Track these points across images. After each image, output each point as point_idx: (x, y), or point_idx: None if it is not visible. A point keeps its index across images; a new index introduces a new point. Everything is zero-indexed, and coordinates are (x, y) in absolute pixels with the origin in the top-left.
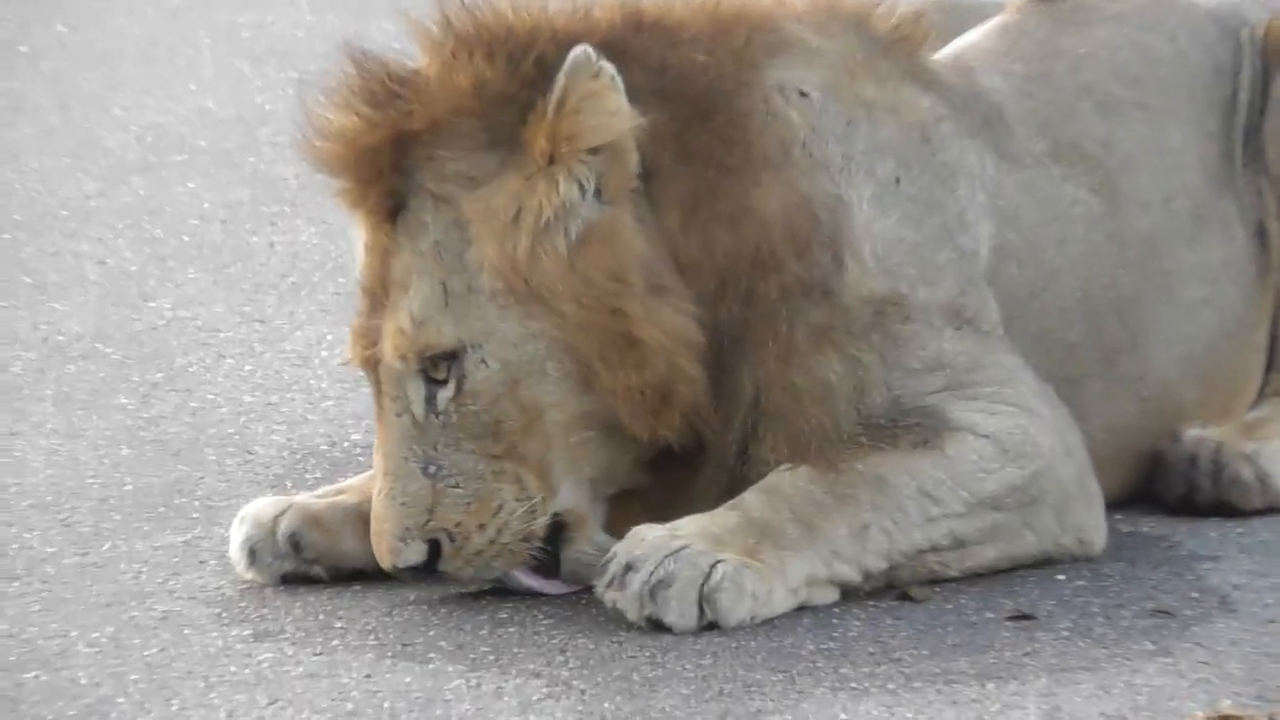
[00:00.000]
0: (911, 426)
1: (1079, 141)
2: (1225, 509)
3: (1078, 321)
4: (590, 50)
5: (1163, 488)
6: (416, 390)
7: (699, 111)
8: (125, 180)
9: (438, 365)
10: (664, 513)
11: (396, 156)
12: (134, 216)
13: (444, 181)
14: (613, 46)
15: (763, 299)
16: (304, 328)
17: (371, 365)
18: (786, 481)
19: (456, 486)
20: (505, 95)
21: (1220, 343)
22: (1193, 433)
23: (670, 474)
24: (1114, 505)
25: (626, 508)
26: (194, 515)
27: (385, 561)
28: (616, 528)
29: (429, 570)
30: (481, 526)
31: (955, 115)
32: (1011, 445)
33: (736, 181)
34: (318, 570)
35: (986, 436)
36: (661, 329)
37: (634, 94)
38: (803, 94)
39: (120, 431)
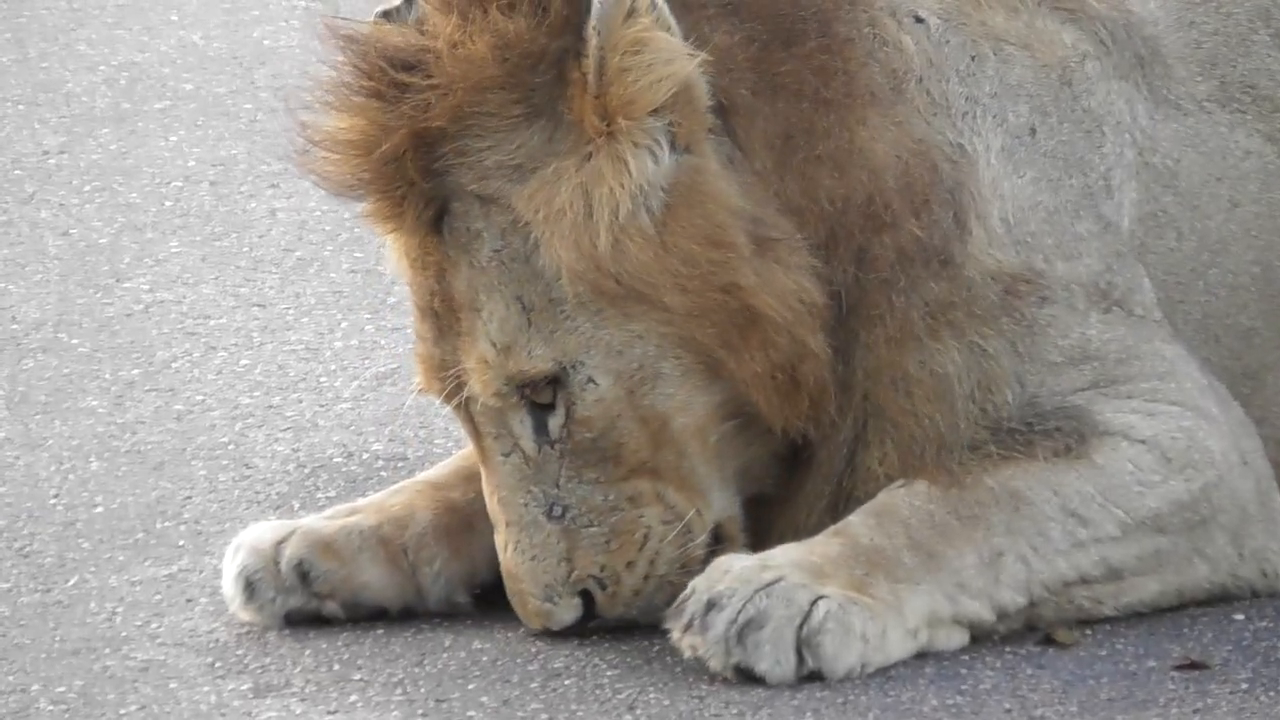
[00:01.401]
0: (1052, 431)
1: (1254, 80)
2: None
3: (1254, 302)
4: None
5: None
6: (522, 424)
7: (783, 34)
8: (93, 133)
9: (539, 391)
10: (761, 538)
11: (423, 159)
12: (104, 177)
13: (486, 179)
14: None
15: (878, 260)
16: (312, 313)
17: (460, 403)
18: (901, 500)
19: (591, 525)
20: (534, 53)
21: None
22: None
23: (776, 488)
24: None
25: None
26: (180, 543)
27: (535, 624)
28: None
29: (588, 621)
30: (630, 564)
31: (1102, 52)
32: (1175, 453)
33: (838, 118)
34: (331, 607)
35: (1144, 442)
36: (778, 296)
37: (696, 9)
38: (918, 19)
39: (89, 441)
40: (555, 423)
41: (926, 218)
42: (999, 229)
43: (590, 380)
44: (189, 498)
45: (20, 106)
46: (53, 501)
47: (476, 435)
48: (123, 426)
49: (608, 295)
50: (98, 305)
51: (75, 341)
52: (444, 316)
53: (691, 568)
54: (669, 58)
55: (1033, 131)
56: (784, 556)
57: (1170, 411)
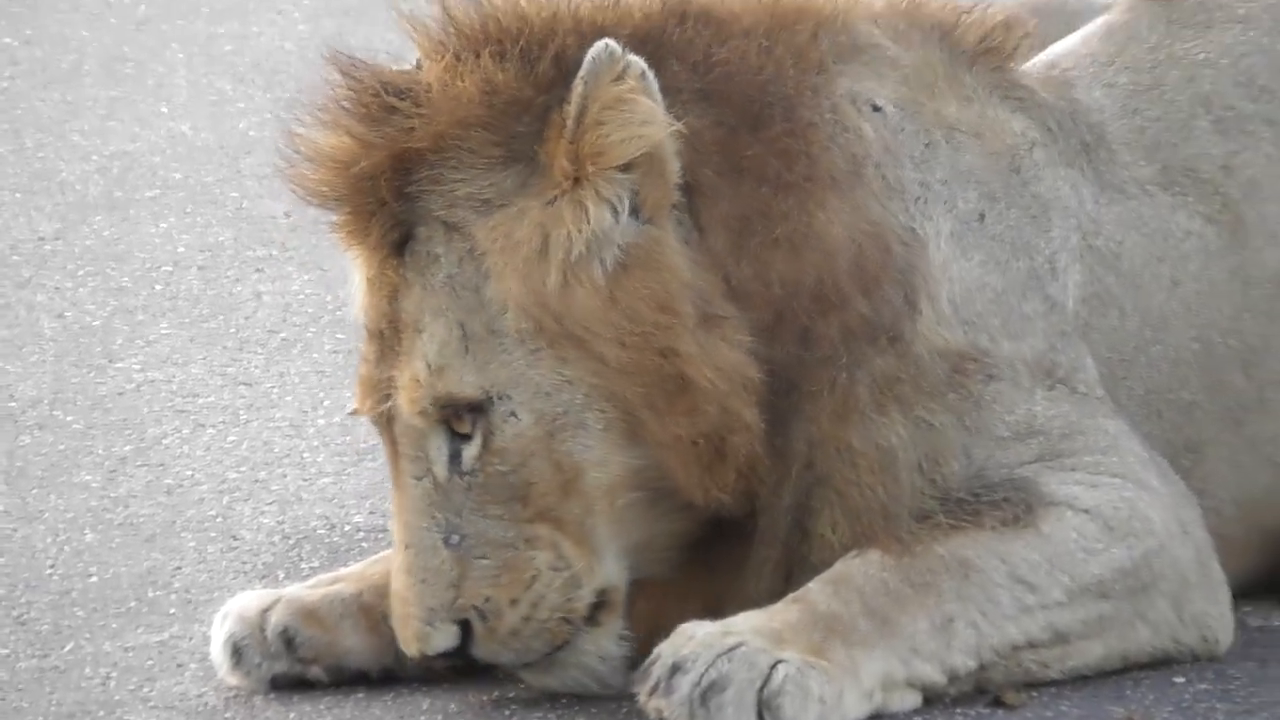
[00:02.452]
0: (999, 502)
1: (1194, 165)
2: None
3: (1195, 377)
4: (614, 45)
5: None
6: (438, 449)
7: (751, 117)
8: (86, 219)
9: (461, 418)
10: (711, 606)
11: (399, 181)
12: (97, 262)
13: (454, 207)
14: (648, 38)
15: (821, 340)
16: (296, 391)
17: (385, 422)
18: (856, 569)
19: (484, 558)
20: (519, 101)
21: None
22: None
23: (716, 558)
24: (1244, 594)
25: (668, 600)
26: (170, 611)
27: (412, 649)
28: (660, 622)
29: (461, 656)
30: (514, 602)
31: (1049, 139)
32: (1117, 521)
33: (797, 201)
34: (315, 671)
35: (1087, 511)
36: (716, 368)
37: (672, 94)
38: (876, 108)
39: (83, 513)
40: (470, 454)
41: (877, 297)
42: (947, 309)
43: (513, 414)
44: (179, 568)
45: (17, 194)
46: (49, 571)
47: (394, 455)
48: (115, 500)
49: (547, 334)
50: (91, 384)
51: (70, 418)
52: (389, 338)
53: (573, 622)
54: (646, 120)
55: (981, 217)
56: (745, 623)
57: (1112, 483)
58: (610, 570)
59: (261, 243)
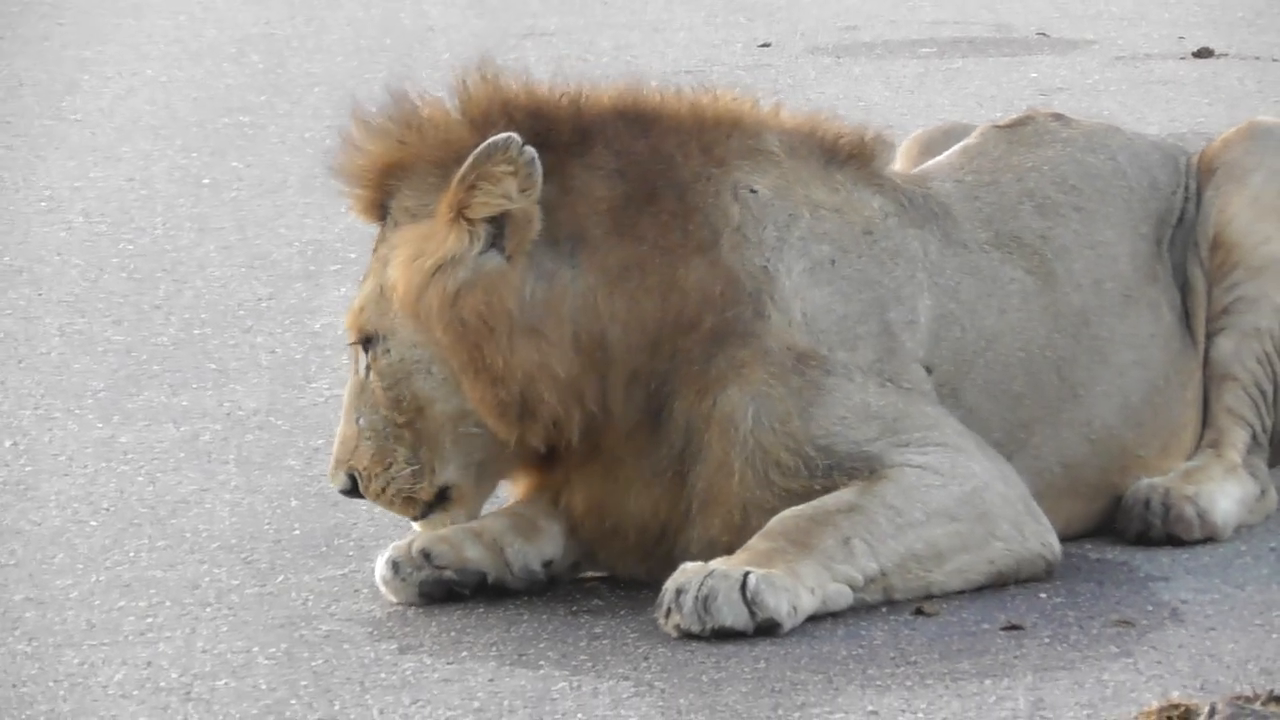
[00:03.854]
0: (852, 471)
1: (1019, 234)
2: (1173, 540)
3: (1020, 375)
4: (511, 138)
5: (1123, 525)
6: (359, 359)
7: (650, 194)
8: (290, 285)
9: (365, 344)
10: (608, 495)
11: (386, 173)
12: (297, 315)
13: (402, 210)
14: (588, 129)
15: (687, 350)
16: None
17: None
18: (775, 522)
19: (368, 439)
20: (461, 155)
21: (1154, 396)
22: (1147, 481)
23: (599, 464)
24: (1084, 535)
25: (576, 487)
26: (350, 553)
27: (330, 481)
28: (572, 500)
29: (355, 496)
30: (375, 475)
31: (902, 211)
32: (945, 469)
33: (666, 261)
34: (449, 574)
35: (921, 466)
36: (516, 364)
37: (593, 171)
38: (752, 190)
39: (290, 487)
40: (364, 364)
41: (728, 314)
42: (798, 318)
43: (388, 351)
44: (355, 524)
45: (241, 269)
46: (266, 527)
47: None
48: (311, 478)
49: (409, 309)
50: (295, 399)
51: (280, 422)
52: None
53: (416, 502)
54: (504, 193)
55: (833, 262)
56: (714, 563)
57: (938, 449)
58: (454, 473)
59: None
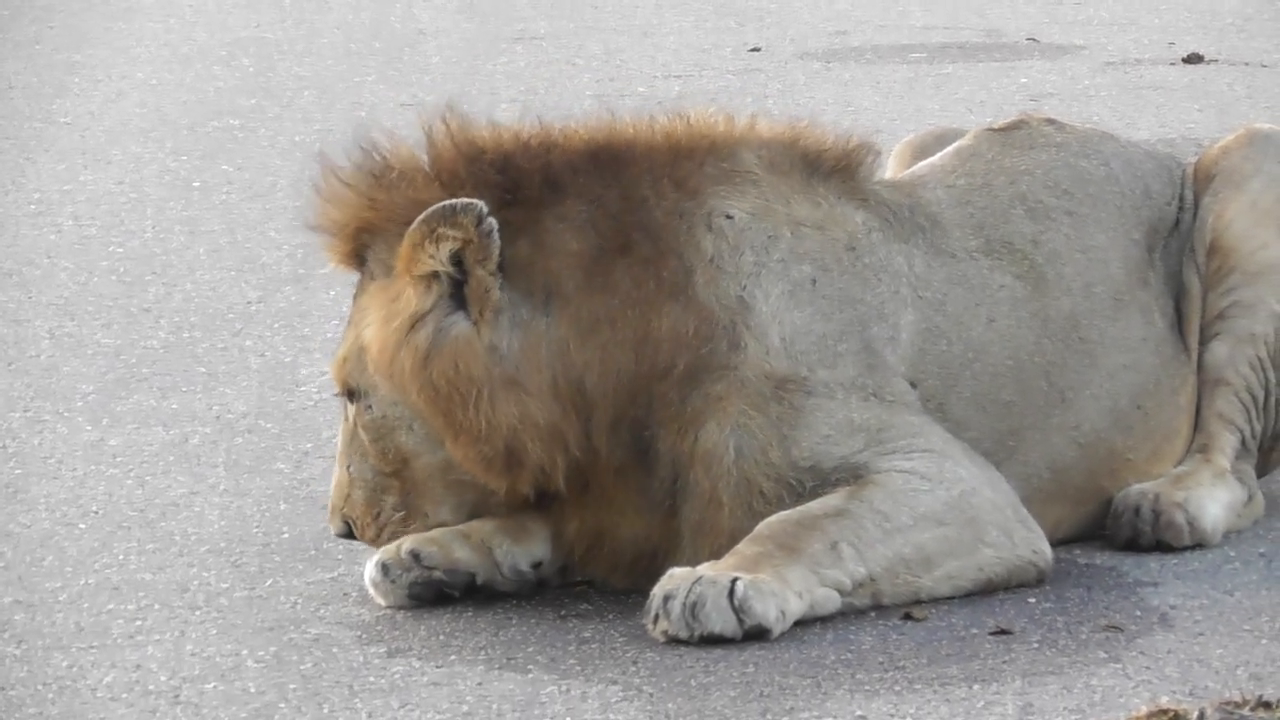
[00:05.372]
0: (837, 481)
1: (1010, 239)
2: (1163, 546)
3: (1009, 384)
4: (469, 205)
5: (1113, 531)
6: (347, 408)
7: (623, 245)
8: (280, 289)
9: (350, 395)
10: (601, 526)
11: (360, 230)
12: (287, 318)
13: (376, 263)
14: (556, 180)
15: (663, 396)
16: None
17: None
18: (762, 526)
19: (359, 488)
20: None
21: (1144, 400)
22: (1136, 487)
23: (593, 495)
24: (1073, 540)
25: (570, 518)
26: (338, 557)
27: (329, 526)
28: (564, 530)
29: (355, 539)
30: (367, 525)
31: (885, 225)
32: (933, 474)
33: (639, 313)
34: (438, 575)
35: (907, 471)
36: (499, 419)
37: (564, 223)
38: (729, 216)
39: (279, 491)
40: (351, 413)
41: (704, 349)
42: (776, 344)
43: (370, 407)
44: None
45: (231, 272)
46: (255, 531)
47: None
48: (301, 481)
49: (385, 374)
50: (284, 402)
51: (269, 425)
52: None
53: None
54: (446, 257)
55: (814, 282)
56: (702, 569)
57: (924, 455)
58: (446, 514)
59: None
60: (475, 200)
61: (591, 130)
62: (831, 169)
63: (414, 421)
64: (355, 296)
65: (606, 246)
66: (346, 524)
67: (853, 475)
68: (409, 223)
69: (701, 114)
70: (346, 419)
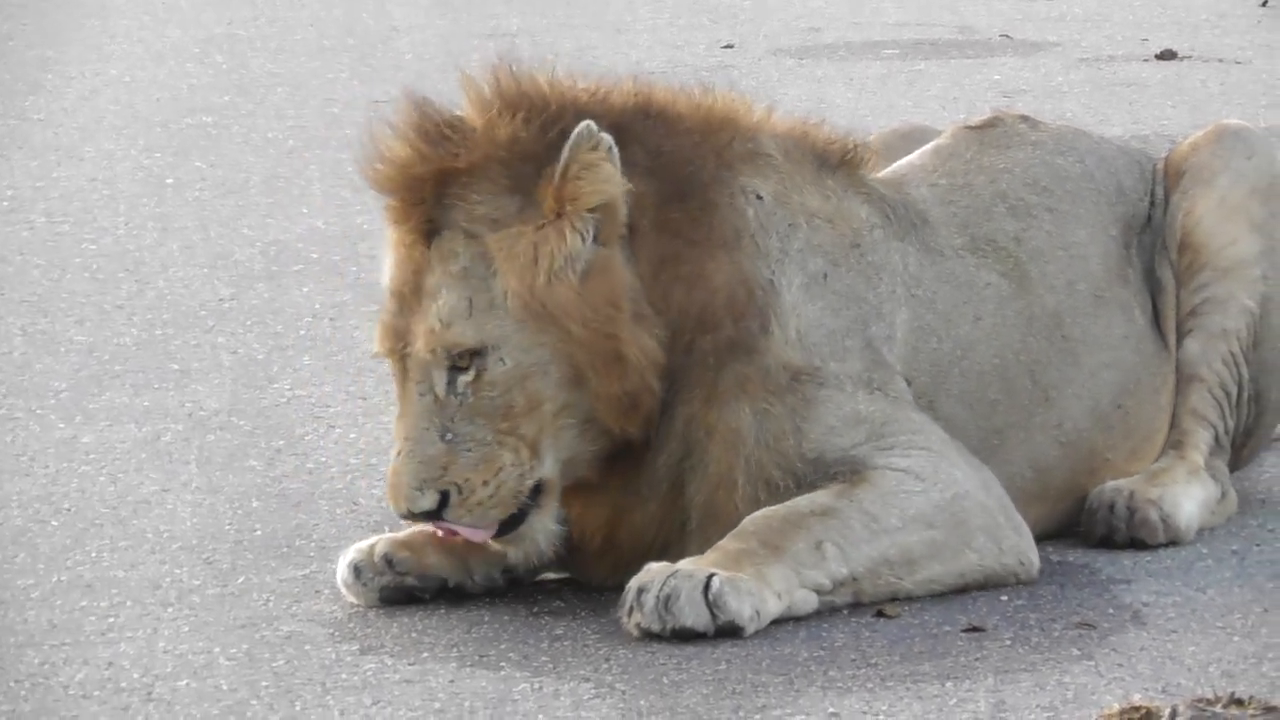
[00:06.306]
0: (836, 475)
1: (994, 237)
2: (1137, 543)
3: (995, 382)
4: (593, 126)
5: (1087, 528)
6: (440, 377)
7: (678, 191)
8: (252, 286)
9: (463, 358)
10: (616, 509)
11: (439, 189)
12: (260, 315)
13: (474, 220)
14: (621, 127)
15: (700, 351)
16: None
17: (399, 356)
18: (748, 521)
19: (469, 450)
20: (531, 153)
21: (1124, 399)
22: (1111, 484)
23: (615, 477)
24: (1047, 537)
25: (587, 503)
26: (311, 554)
27: (400, 507)
28: (583, 516)
29: (435, 516)
30: (485, 482)
31: (886, 223)
32: (927, 474)
33: (697, 254)
34: (410, 580)
35: (903, 470)
36: (641, 349)
37: (631, 167)
38: (759, 197)
39: (251, 488)
40: (464, 380)
41: (741, 324)
42: (793, 336)
43: (501, 359)
44: (316, 525)
45: (204, 269)
46: (227, 528)
47: (404, 380)
48: (273, 479)
49: (532, 313)
50: (255, 399)
51: (241, 422)
52: (409, 298)
53: (519, 498)
54: (606, 179)
55: (825, 277)
56: (681, 563)
57: (921, 453)
58: (548, 468)
59: (372, 301)
60: (587, 121)
61: (635, 89)
62: (839, 163)
63: (550, 364)
64: (432, 263)
65: (665, 192)
66: (440, 495)
67: (851, 469)
68: (507, 164)
69: (726, 93)
70: (426, 392)
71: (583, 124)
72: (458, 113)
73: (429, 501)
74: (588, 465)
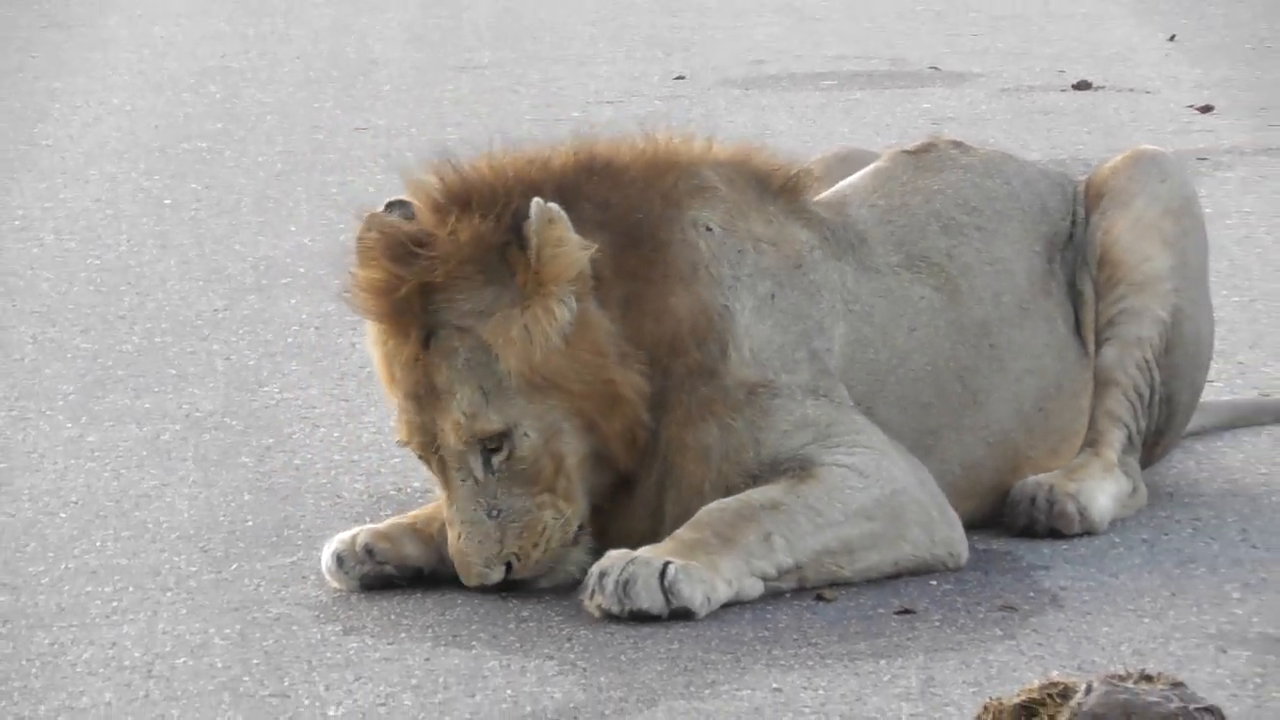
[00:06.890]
0: (785, 471)
1: (927, 253)
2: (1055, 533)
3: (928, 386)
4: (540, 202)
5: (1009, 519)
6: (476, 461)
7: (631, 238)
8: (244, 298)
9: (493, 440)
10: (612, 524)
11: (423, 300)
12: (251, 324)
13: (462, 316)
14: (566, 187)
15: (674, 374)
16: (378, 405)
17: (432, 450)
18: (703, 513)
19: (514, 522)
20: (494, 244)
21: (1046, 403)
22: (1032, 479)
23: (613, 505)
24: (972, 527)
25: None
26: (298, 543)
27: (473, 582)
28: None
29: (505, 584)
30: (536, 544)
31: (825, 244)
32: (869, 471)
33: (657, 291)
34: (389, 569)
35: (847, 466)
36: (632, 385)
37: (581, 223)
38: (709, 229)
39: (243, 483)
40: (498, 459)
41: (704, 348)
42: (748, 355)
43: (525, 434)
44: (303, 516)
45: (200, 282)
46: (221, 519)
47: (444, 471)
48: (263, 474)
49: (536, 387)
50: (248, 401)
51: (234, 423)
52: (426, 398)
53: (567, 546)
54: (576, 249)
55: (773, 297)
56: (639, 551)
57: (864, 452)
58: (582, 510)
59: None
60: (534, 198)
61: (573, 147)
62: (780, 189)
63: (564, 421)
64: (435, 362)
65: (619, 241)
66: (507, 564)
67: (799, 466)
68: (476, 261)
69: (666, 134)
70: (467, 478)
71: (533, 204)
72: (418, 227)
73: (498, 575)
74: (600, 496)
